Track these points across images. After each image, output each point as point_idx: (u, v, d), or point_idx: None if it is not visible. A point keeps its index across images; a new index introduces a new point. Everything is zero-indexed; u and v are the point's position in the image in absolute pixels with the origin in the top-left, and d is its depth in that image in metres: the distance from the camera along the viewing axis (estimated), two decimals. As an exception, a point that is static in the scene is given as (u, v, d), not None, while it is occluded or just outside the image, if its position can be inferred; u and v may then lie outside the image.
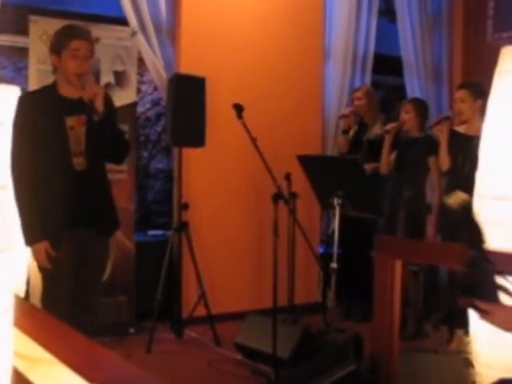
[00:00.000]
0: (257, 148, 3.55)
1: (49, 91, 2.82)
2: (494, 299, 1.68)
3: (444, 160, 3.90)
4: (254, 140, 3.56)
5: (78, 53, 2.71)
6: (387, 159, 4.36)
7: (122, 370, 1.09)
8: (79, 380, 1.06)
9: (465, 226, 1.88)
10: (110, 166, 3.13)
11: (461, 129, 3.92)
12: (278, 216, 3.43)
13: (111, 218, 2.98)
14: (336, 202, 3.36)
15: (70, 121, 2.75)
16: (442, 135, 3.94)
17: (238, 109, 3.66)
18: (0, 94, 0.86)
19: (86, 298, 2.88)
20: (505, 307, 1.65)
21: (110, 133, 2.81)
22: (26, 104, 2.73)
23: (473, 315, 2.00)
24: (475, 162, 2.86)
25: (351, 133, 4.83)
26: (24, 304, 1.72)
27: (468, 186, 3.17)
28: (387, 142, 4.34)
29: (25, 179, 2.67)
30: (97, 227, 2.85)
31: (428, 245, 3.30)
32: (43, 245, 2.71)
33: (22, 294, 3.47)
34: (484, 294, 1.67)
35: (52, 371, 1.17)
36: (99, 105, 2.70)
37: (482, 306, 1.64)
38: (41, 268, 2.80)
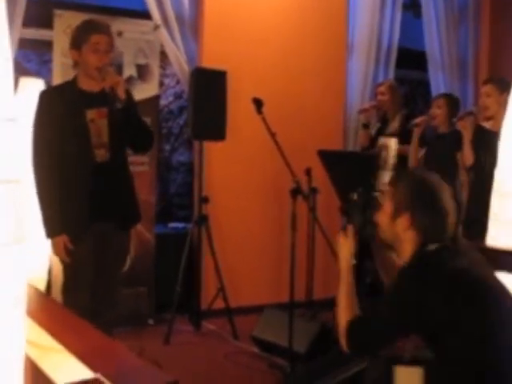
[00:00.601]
0: (276, 143, 3.55)
1: (69, 86, 2.85)
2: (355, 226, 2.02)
3: (468, 156, 3.84)
4: (273, 135, 3.56)
5: (98, 47, 2.74)
6: (415, 153, 4.25)
7: (127, 361, 1.11)
8: (85, 369, 1.09)
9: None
10: (131, 159, 3.15)
11: (487, 125, 3.86)
12: (297, 211, 3.43)
13: (133, 212, 2.98)
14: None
15: (90, 113, 2.78)
16: (465, 131, 3.89)
17: (258, 104, 3.66)
18: (9, 90, 0.88)
19: (106, 291, 2.90)
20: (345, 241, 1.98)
21: (134, 119, 2.82)
22: (47, 98, 2.78)
23: None
24: (496, 159, 2.81)
25: (374, 129, 4.77)
26: (37, 295, 1.76)
27: (490, 182, 3.12)
28: (416, 134, 4.21)
29: (46, 173, 2.72)
30: (118, 220, 2.86)
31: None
32: (62, 238, 2.74)
33: (44, 284, 3.54)
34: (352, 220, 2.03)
35: (61, 360, 1.20)
36: (121, 92, 2.71)
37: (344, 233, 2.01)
38: (61, 260, 2.84)
